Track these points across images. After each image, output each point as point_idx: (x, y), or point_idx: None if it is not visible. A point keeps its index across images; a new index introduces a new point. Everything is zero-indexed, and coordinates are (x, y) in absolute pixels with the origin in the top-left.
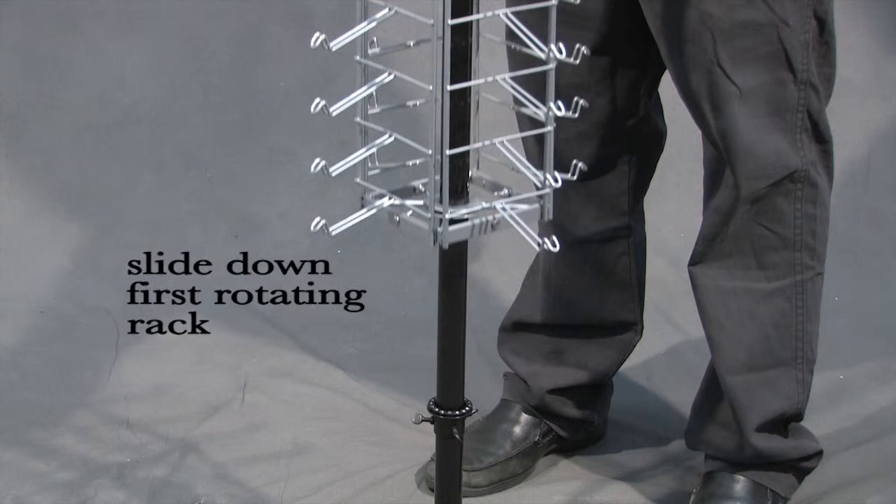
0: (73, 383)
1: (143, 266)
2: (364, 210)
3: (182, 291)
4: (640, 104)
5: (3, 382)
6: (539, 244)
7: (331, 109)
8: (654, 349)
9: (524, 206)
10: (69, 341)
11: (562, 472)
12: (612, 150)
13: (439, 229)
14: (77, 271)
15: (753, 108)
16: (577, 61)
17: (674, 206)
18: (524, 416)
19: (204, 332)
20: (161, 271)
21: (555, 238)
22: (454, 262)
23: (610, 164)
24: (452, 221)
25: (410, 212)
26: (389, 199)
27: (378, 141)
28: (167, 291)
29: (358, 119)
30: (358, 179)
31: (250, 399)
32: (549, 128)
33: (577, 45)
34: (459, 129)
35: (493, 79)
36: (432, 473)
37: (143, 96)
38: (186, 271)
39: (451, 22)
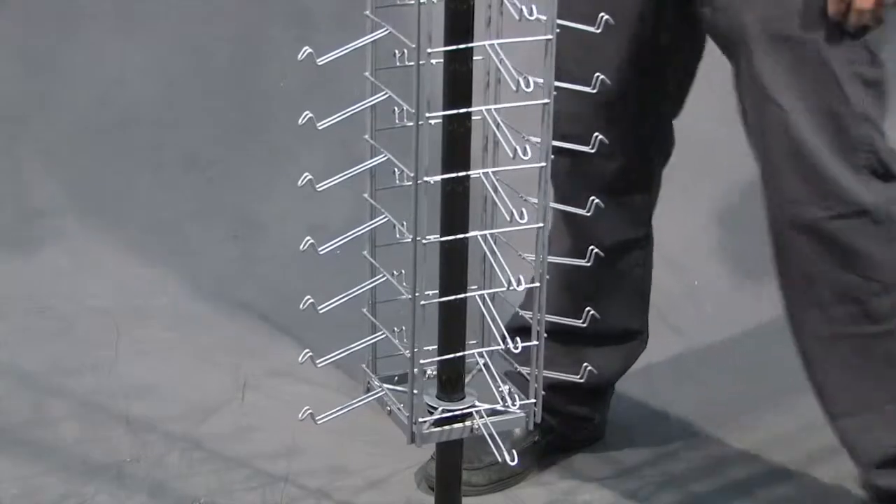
0: (73, 383)
1: (143, 266)
2: (356, 400)
3: (182, 291)
4: (669, 117)
5: (3, 382)
6: (511, 460)
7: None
8: (653, 351)
9: (504, 417)
10: (69, 341)
11: (562, 471)
12: (641, 163)
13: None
14: (77, 271)
15: (817, 134)
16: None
17: (673, 210)
18: None
19: (204, 332)
20: (161, 271)
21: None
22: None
23: (636, 176)
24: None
25: (399, 406)
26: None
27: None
28: (167, 291)
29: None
30: (364, 365)
31: (250, 399)
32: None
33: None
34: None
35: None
36: (432, 472)
37: (143, 96)
38: (186, 271)
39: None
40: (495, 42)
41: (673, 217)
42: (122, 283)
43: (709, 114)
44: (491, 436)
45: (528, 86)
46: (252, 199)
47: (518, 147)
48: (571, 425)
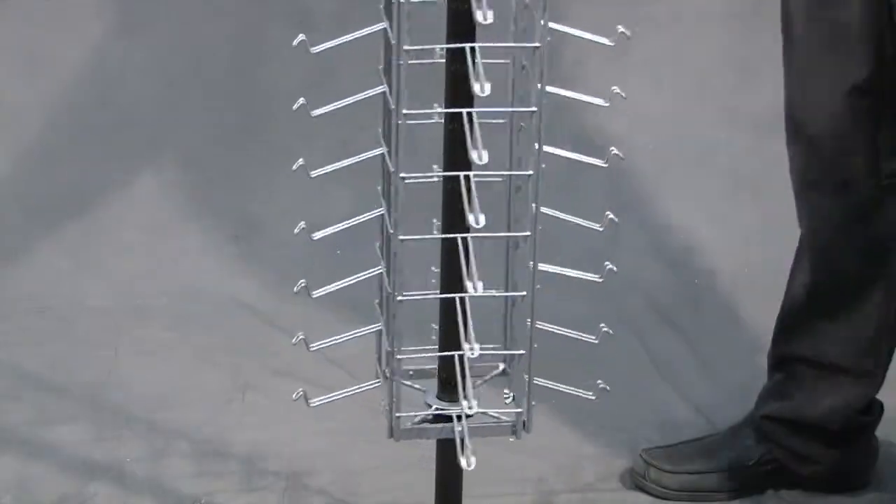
0: (73, 383)
1: (143, 266)
2: (349, 389)
3: (182, 291)
4: None
5: (3, 382)
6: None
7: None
8: (653, 351)
9: (494, 423)
10: (69, 341)
11: None
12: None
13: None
14: (77, 271)
15: None
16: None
17: (673, 207)
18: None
19: (204, 332)
20: (161, 271)
21: None
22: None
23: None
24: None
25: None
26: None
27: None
28: (167, 291)
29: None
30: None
31: (250, 399)
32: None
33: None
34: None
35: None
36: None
37: (142, 96)
38: (186, 271)
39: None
40: (476, 45)
41: (673, 217)
42: (122, 283)
43: (709, 116)
44: (462, 440)
45: (482, 91)
46: (252, 199)
47: (483, 153)
48: (794, 461)
